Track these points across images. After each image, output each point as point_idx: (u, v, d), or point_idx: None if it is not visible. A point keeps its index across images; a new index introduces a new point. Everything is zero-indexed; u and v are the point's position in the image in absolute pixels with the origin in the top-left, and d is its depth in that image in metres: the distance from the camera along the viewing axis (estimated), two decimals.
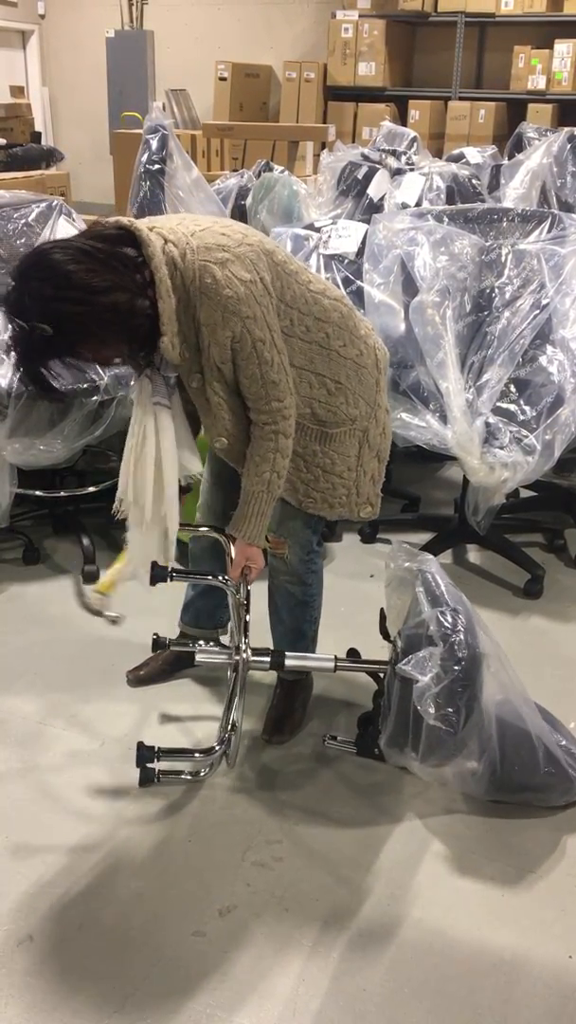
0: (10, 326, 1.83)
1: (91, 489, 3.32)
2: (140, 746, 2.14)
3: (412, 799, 2.20)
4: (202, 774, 2.19)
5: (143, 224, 1.89)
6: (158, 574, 2.17)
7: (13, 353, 1.88)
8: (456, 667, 1.98)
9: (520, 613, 3.01)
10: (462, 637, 2.01)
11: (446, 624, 2.02)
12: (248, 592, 2.13)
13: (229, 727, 2.09)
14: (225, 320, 1.87)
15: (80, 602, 2.98)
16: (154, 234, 1.87)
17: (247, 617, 2.15)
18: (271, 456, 2.01)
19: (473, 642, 2.02)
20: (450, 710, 1.97)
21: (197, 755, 2.23)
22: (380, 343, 2.19)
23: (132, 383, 2.06)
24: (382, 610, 2.27)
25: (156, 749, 2.15)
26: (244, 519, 2.06)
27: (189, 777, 2.19)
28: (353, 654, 2.36)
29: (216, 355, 1.92)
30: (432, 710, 1.97)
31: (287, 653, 2.21)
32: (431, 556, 2.16)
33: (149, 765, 2.15)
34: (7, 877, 1.95)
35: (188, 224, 1.92)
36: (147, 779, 2.16)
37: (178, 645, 2.38)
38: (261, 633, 2.52)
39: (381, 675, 2.21)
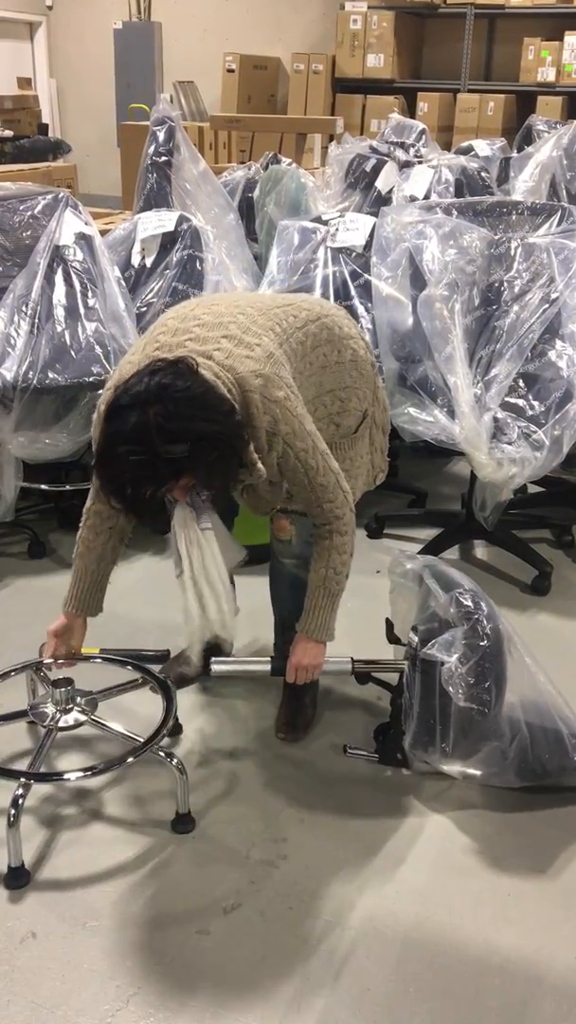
0: (123, 458, 1.72)
1: None
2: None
3: (418, 799, 2.18)
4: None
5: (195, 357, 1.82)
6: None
7: (119, 485, 1.76)
8: (483, 643, 1.97)
9: (528, 609, 2.99)
10: (486, 613, 2.00)
11: (466, 604, 2.02)
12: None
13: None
14: (270, 444, 1.88)
15: None
16: (208, 371, 1.81)
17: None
18: (325, 554, 2.04)
19: (495, 619, 2.02)
20: (482, 688, 1.95)
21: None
22: (356, 327, 2.21)
23: (175, 510, 1.96)
24: (388, 619, 2.26)
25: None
26: (304, 612, 2.09)
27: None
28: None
29: (267, 473, 1.92)
30: (462, 692, 1.95)
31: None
32: (433, 557, 2.16)
33: None
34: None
35: (210, 346, 1.86)
36: None
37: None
38: (262, 632, 2.51)
39: (401, 672, 2.18)
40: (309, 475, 1.96)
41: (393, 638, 2.25)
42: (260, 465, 1.86)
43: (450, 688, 1.97)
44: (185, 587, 1.98)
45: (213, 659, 2.18)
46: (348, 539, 2.05)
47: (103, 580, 2.12)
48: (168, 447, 1.70)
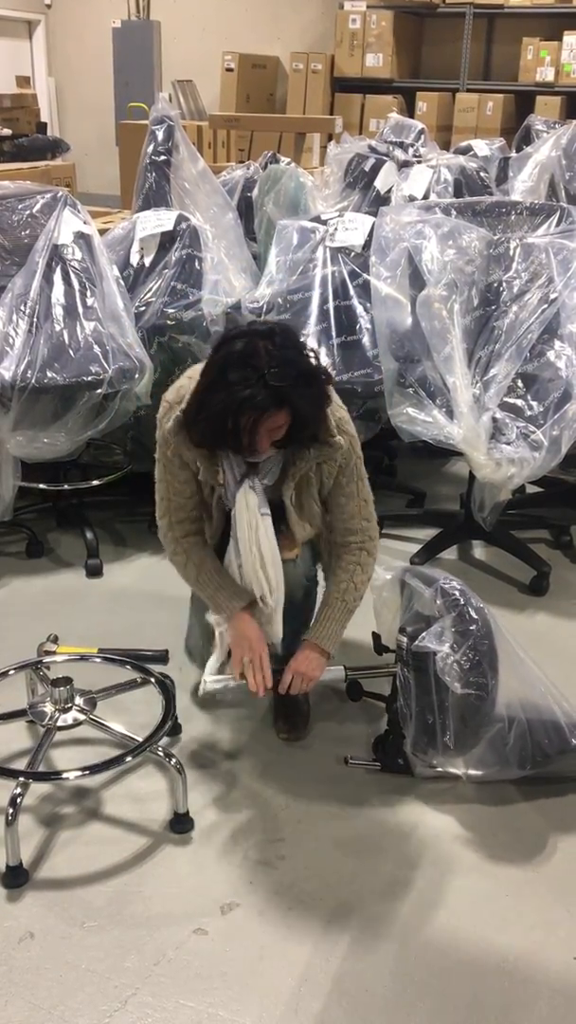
0: (232, 385, 1.85)
1: (95, 482, 3.31)
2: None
3: (416, 799, 2.18)
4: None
5: None
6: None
7: (221, 411, 1.87)
8: (472, 627, 1.99)
9: (526, 609, 2.99)
10: (471, 599, 2.02)
11: (451, 592, 2.03)
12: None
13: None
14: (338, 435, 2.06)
15: (83, 598, 2.98)
16: None
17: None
18: (351, 568, 2.15)
19: (479, 604, 2.03)
20: (478, 672, 1.97)
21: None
22: None
23: (237, 493, 2.07)
24: (374, 632, 2.27)
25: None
26: (316, 620, 2.17)
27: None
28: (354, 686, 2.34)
29: (325, 471, 2.07)
30: (458, 679, 1.96)
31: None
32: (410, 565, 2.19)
33: None
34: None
35: None
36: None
37: None
38: None
39: (394, 677, 2.18)
40: (358, 484, 2.11)
41: (380, 648, 2.26)
42: (338, 437, 2.00)
43: (446, 677, 1.98)
44: (244, 566, 2.10)
45: (205, 676, 2.20)
46: (374, 561, 2.17)
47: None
48: (274, 371, 1.83)
